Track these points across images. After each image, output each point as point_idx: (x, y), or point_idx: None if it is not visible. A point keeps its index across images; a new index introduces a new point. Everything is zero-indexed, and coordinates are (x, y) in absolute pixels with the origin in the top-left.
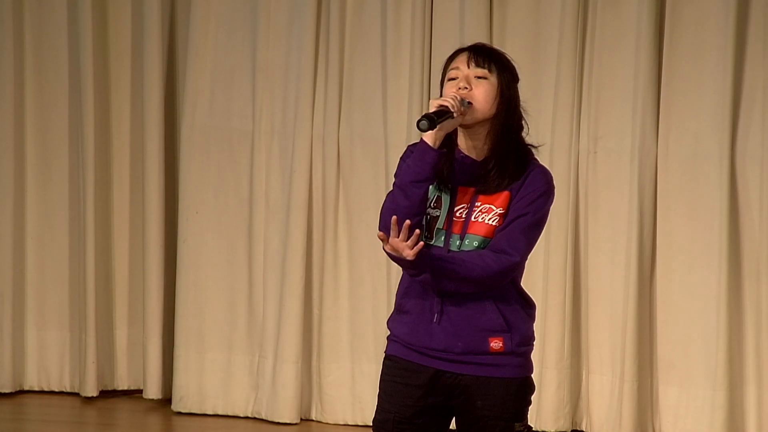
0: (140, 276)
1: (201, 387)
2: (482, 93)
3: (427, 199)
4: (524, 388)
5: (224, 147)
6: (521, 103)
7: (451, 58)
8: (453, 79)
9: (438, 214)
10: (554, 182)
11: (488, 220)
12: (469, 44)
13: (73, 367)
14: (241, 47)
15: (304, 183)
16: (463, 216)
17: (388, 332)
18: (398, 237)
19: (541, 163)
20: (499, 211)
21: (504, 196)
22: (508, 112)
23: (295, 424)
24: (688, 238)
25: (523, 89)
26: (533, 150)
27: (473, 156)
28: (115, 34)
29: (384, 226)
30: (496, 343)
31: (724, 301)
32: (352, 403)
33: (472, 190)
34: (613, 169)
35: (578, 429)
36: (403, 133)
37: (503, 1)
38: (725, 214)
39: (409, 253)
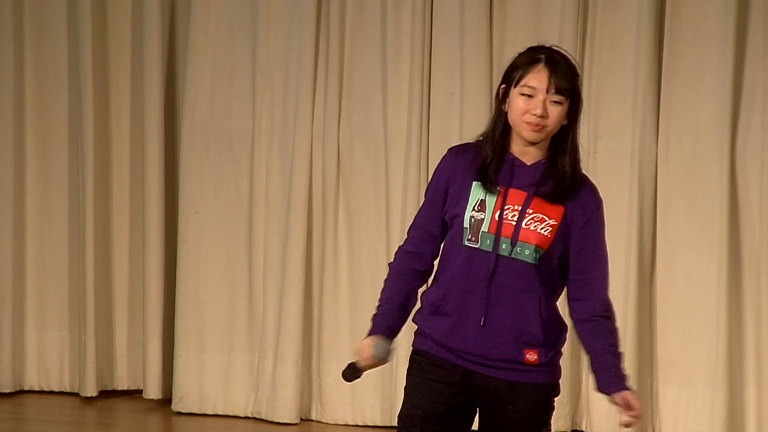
0: (140, 276)
1: (201, 387)
2: (556, 117)
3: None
4: (553, 393)
5: (224, 147)
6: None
7: (527, 66)
8: (527, 95)
9: (482, 217)
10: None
11: (540, 229)
12: (542, 50)
13: (72, 367)
14: (241, 47)
15: (304, 183)
16: (515, 220)
17: (416, 327)
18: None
19: (584, 173)
20: (552, 222)
21: (557, 208)
22: (575, 126)
23: (295, 424)
24: (688, 238)
25: None
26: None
27: (525, 160)
28: (115, 34)
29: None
30: (531, 356)
31: (724, 301)
32: (352, 403)
33: (524, 194)
34: (613, 169)
35: (578, 429)
36: (403, 133)
37: (503, 1)
38: (725, 213)
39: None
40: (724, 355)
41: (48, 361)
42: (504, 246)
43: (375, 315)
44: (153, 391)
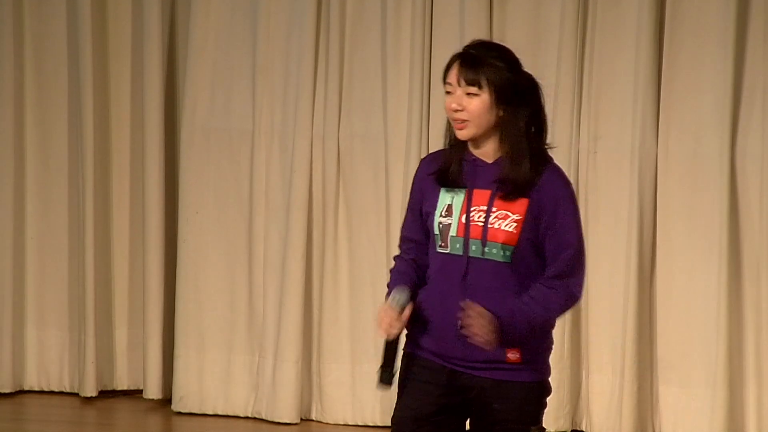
0: (140, 276)
1: (201, 387)
2: (474, 109)
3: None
4: (541, 391)
5: (224, 147)
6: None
7: (449, 66)
8: (448, 93)
9: (450, 221)
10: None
11: (505, 226)
12: (467, 47)
13: (72, 367)
14: (241, 47)
15: (304, 183)
16: (481, 220)
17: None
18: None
19: (552, 161)
20: (516, 217)
21: (521, 202)
22: (516, 114)
23: (295, 424)
24: (688, 238)
25: None
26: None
27: (485, 159)
28: (115, 34)
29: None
30: (513, 354)
31: (724, 301)
32: (352, 403)
33: (488, 192)
34: (613, 169)
35: (578, 429)
36: (403, 133)
37: (503, 1)
38: (725, 214)
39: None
40: (724, 355)
41: (48, 361)
42: (474, 248)
43: (388, 284)
44: (153, 391)
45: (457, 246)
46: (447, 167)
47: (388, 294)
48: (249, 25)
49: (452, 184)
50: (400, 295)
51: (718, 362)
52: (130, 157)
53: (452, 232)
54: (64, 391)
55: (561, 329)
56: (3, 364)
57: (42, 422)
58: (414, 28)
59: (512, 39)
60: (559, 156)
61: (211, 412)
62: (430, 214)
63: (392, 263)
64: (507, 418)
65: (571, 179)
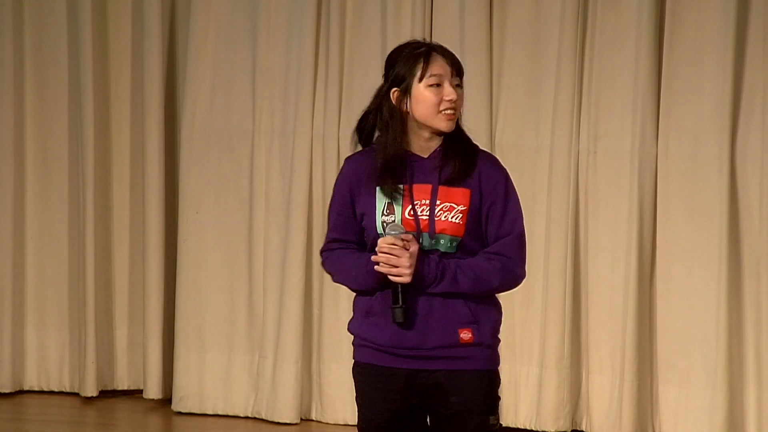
0: (140, 276)
1: (201, 387)
2: (461, 99)
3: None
4: (494, 380)
5: (224, 147)
6: None
7: (423, 58)
8: (435, 85)
9: (393, 219)
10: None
11: (452, 218)
12: (421, 43)
13: (72, 367)
14: (241, 47)
15: (304, 183)
16: (426, 214)
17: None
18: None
19: (479, 147)
20: (461, 208)
21: (463, 192)
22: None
23: (295, 424)
24: (688, 238)
25: (523, 89)
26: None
27: (421, 154)
28: (115, 34)
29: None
30: (465, 334)
31: (724, 301)
32: (352, 403)
33: (429, 187)
34: (613, 169)
35: (578, 429)
36: None
37: (503, 1)
38: (725, 214)
39: (406, 274)
40: (724, 355)
41: (48, 361)
42: (422, 241)
43: (365, 260)
44: (153, 391)
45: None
46: (385, 166)
47: (341, 265)
48: (249, 25)
49: (391, 182)
50: (396, 227)
51: (718, 362)
52: (130, 157)
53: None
54: (64, 391)
55: (561, 329)
56: (3, 364)
57: (42, 422)
58: (414, 28)
59: (512, 39)
60: (559, 156)
61: (211, 412)
62: (368, 215)
63: (320, 260)
64: (464, 408)
65: (571, 179)
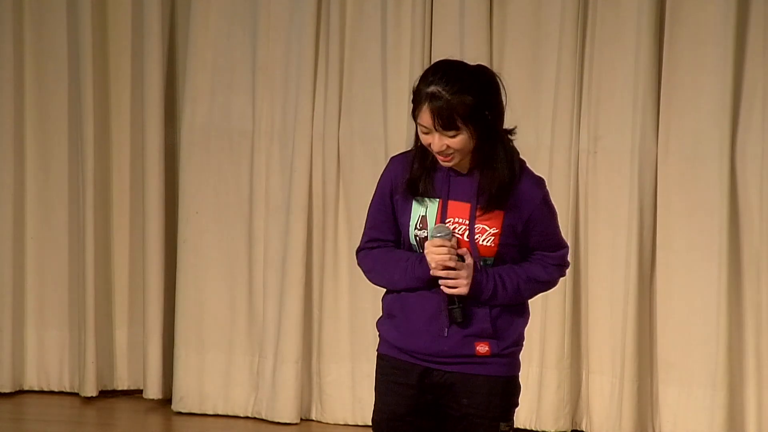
0: (140, 276)
1: (201, 387)
2: (459, 144)
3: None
4: (510, 387)
5: (224, 147)
6: (504, 106)
7: (417, 103)
8: (424, 132)
9: (426, 234)
10: (544, 179)
11: (482, 241)
12: (431, 78)
13: (72, 367)
14: (241, 47)
15: (304, 183)
16: (465, 235)
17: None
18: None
19: (524, 164)
20: (493, 231)
21: (497, 214)
22: (490, 129)
23: (295, 424)
24: (688, 238)
25: (523, 89)
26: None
27: (459, 169)
28: (115, 34)
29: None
30: (482, 347)
31: (724, 301)
32: (352, 403)
33: (467, 206)
34: (613, 169)
35: (578, 429)
36: (403, 132)
37: (503, 1)
38: (725, 213)
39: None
40: (724, 355)
41: (48, 361)
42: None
43: (406, 262)
44: (153, 391)
45: None
46: (418, 176)
47: (382, 278)
48: (249, 25)
49: (424, 195)
50: (442, 228)
51: (718, 362)
52: (130, 158)
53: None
54: (64, 391)
55: (561, 329)
56: (3, 364)
57: (42, 422)
58: (414, 28)
59: (512, 39)
60: (559, 156)
61: (211, 412)
62: (402, 223)
63: (361, 258)
64: (474, 412)
65: (571, 179)
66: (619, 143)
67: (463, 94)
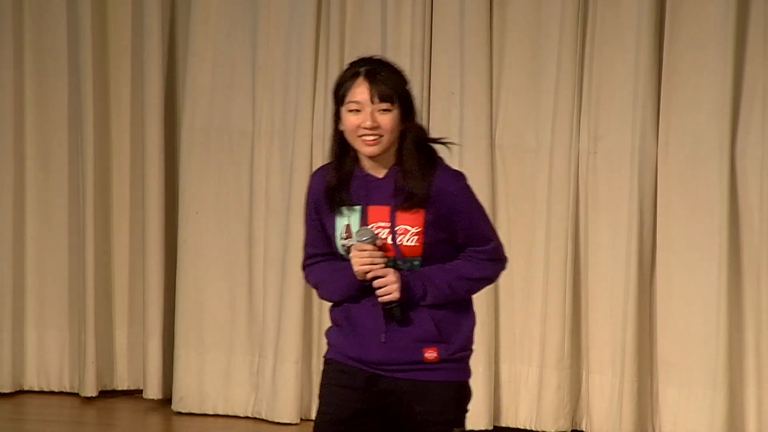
0: (140, 276)
1: (201, 387)
2: (388, 124)
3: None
4: (462, 392)
5: (224, 147)
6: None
7: (349, 82)
8: (355, 110)
9: (352, 242)
10: (463, 176)
11: (406, 241)
12: (360, 63)
13: (72, 367)
14: (241, 47)
15: (304, 183)
16: (388, 238)
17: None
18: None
19: (442, 161)
20: (415, 230)
21: (417, 213)
22: (410, 128)
23: (295, 424)
24: (688, 238)
25: (523, 89)
26: (438, 146)
27: (375, 174)
28: (115, 34)
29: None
30: (430, 354)
31: (724, 301)
32: None
33: (387, 208)
34: (613, 169)
35: (578, 429)
36: None
37: (503, 1)
38: (725, 214)
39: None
40: (724, 355)
41: (48, 361)
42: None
43: (340, 272)
44: (153, 391)
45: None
46: (336, 186)
47: (325, 291)
48: (249, 25)
49: (345, 204)
50: (365, 232)
51: (718, 362)
52: (130, 158)
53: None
54: (64, 391)
55: (561, 329)
56: (3, 364)
57: (42, 422)
58: (414, 28)
59: (512, 39)
60: (559, 156)
61: (211, 412)
62: (332, 237)
63: (302, 274)
64: (428, 419)
65: (571, 179)
66: (619, 143)
67: (398, 73)
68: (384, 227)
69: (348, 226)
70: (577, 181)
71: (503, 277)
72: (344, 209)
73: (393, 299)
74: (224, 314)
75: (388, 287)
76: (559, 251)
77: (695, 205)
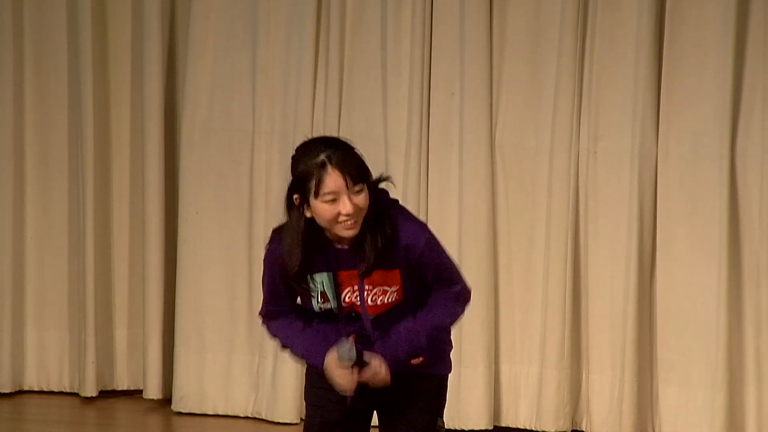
0: (140, 276)
1: (201, 387)
2: (363, 202)
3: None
4: (444, 384)
5: (224, 147)
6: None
7: (317, 173)
8: (331, 201)
9: (330, 306)
10: (427, 227)
11: (387, 299)
12: (317, 149)
13: (72, 367)
14: (241, 47)
15: None
16: (355, 300)
17: None
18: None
19: (398, 216)
20: (394, 288)
21: (393, 274)
22: (375, 199)
23: (295, 424)
24: (688, 238)
25: (523, 89)
26: (392, 197)
27: (344, 244)
28: (115, 34)
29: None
30: (416, 361)
31: (724, 301)
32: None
33: (354, 272)
34: (613, 169)
35: (578, 429)
36: (403, 133)
37: (503, 1)
38: (725, 214)
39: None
40: (724, 355)
41: (48, 361)
42: (364, 316)
43: (306, 352)
44: (153, 391)
45: (352, 314)
46: (308, 261)
47: (286, 338)
48: (249, 25)
49: (318, 271)
50: (346, 349)
51: (718, 362)
52: (130, 157)
53: (337, 311)
54: (64, 391)
55: (561, 329)
56: (3, 364)
57: (42, 422)
58: (414, 28)
59: (512, 39)
60: (559, 156)
61: (211, 412)
62: (305, 299)
63: (264, 327)
64: (414, 407)
65: (571, 179)
66: (619, 144)
67: (351, 148)
68: (353, 292)
69: (323, 293)
70: (577, 181)
71: (503, 277)
72: (317, 276)
73: (388, 384)
74: (224, 314)
75: (378, 379)
76: (559, 251)
77: (695, 205)
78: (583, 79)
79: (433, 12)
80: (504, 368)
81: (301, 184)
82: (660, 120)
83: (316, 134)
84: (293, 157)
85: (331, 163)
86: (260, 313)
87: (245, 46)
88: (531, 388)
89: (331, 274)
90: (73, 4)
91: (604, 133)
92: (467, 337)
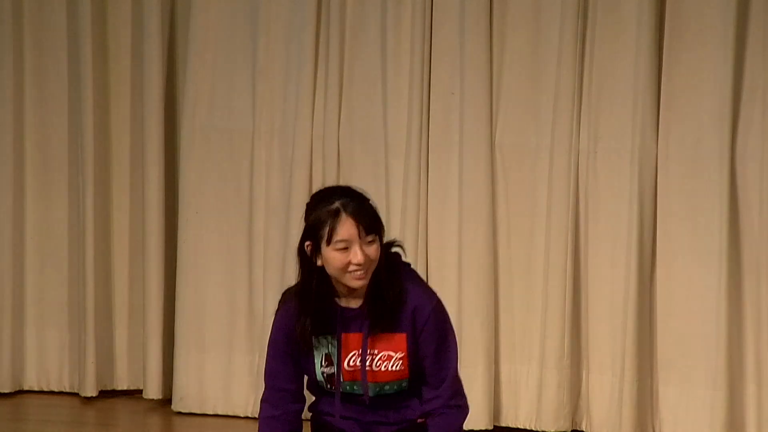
0: (140, 276)
1: (201, 387)
2: (375, 254)
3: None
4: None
5: (224, 147)
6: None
7: (331, 221)
8: (342, 249)
9: (333, 371)
10: (435, 294)
11: (392, 366)
12: (332, 197)
13: (72, 367)
14: (241, 47)
15: (304, 183)
16: (358, 364)
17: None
18: None
19: (411, 281)
20: (399, 355)
21: (398, 338)
22: (386, 255)
23: None
24: (688, 238)
25: (523, 89)
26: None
27: (352, 305)
28: (115, 34)
29: None
30: (420, 420)
31: (724, 301)
32: None
33: (359, 336)
34: (613, 170)
35: (578, 429)
36: (403, 133)
37: (503, 1)
38: (725, 214)
39: None
40: (724, 355)
41: (48, 361)
42: (369, 388)
43: None
44: (153, 391)
45: (348, 388)
46: (314, 319)
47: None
48: (249, 25)
49: (324, 333)
50: None
51: (718, 362)
52: (130, 157)
53: (341, 378)
54: (64, 391)
55: (561, 329)
56: (3, 364)
57: (42, 422)
58: (414, 29)
59: (512, 41)
60: (559, 157)
61: (211, 412)
62: (310, 368)
63: (260, 409)
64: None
65: (571, 180)
66: (619, 144)
67: (366, 199)
68: (356, 355)
69: (328, 355)
70: (577, 182)
71: (503, 278)
72: (321, 339)
73: None
74: (224, 314)
75: None
76: (559, 251)
77: (695, 205)
78: (583, 79)
79: (433, 12)
80: (504, 368)
81: (314, 231)
82: (660, 120)
83: (316, 134)
84: (308, 205)
85: (345, 211)
86: (262, 399)
87: (245, 45)
88: (531, 388)
89: (336, 336)
90: (73, 5)
91: (604, 134)
92: (467, 337)
